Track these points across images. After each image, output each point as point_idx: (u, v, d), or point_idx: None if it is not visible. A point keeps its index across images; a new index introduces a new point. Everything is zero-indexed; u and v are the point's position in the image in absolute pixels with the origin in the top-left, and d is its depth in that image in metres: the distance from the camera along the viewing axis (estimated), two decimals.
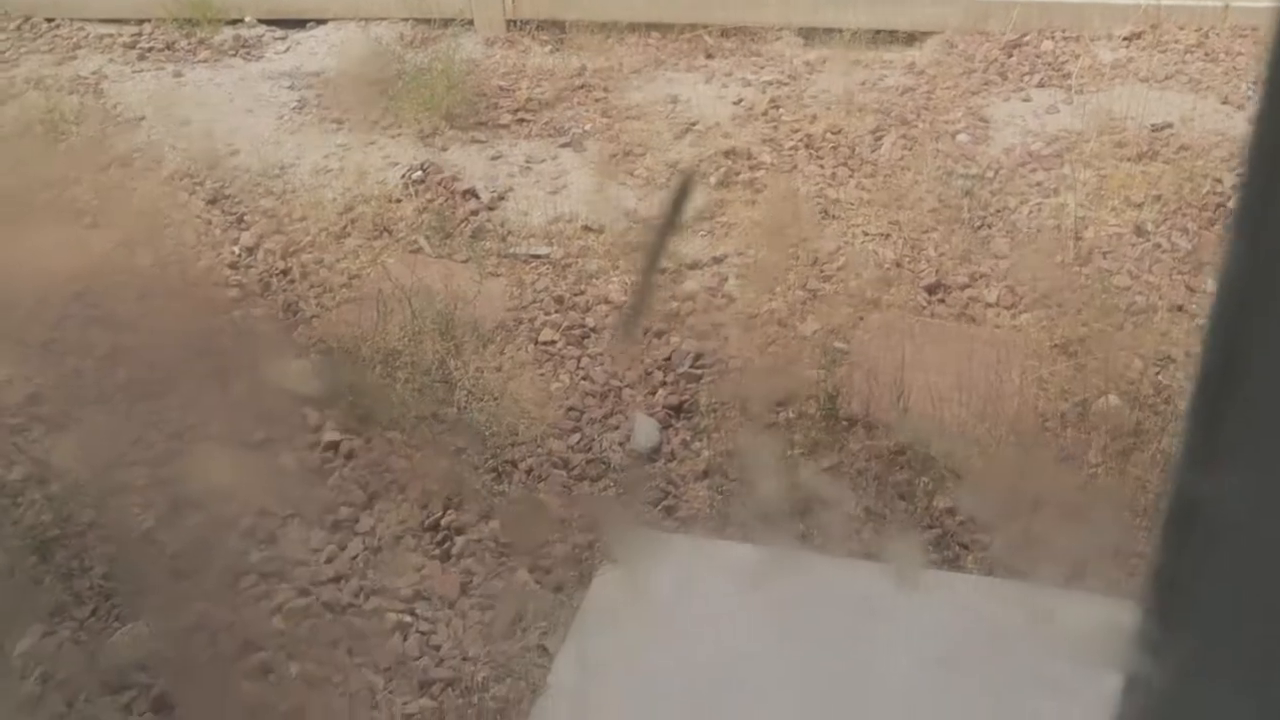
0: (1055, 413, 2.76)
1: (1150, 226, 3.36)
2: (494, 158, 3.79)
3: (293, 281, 3.23)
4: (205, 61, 4.42)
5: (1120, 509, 2.53)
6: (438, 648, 2.23)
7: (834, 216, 3.47)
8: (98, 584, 2.29)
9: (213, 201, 3.56)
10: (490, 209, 3.55)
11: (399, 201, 3.56)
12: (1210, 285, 3.17)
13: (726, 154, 3.73)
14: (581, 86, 4.16)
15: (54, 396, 2.82)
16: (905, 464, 2.64)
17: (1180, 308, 3.09)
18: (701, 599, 2.35)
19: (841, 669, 2.18)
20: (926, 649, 2.21)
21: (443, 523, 2.52)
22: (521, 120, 3.98)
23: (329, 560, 2.41)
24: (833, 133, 3.83)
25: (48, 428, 2.73)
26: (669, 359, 2.98)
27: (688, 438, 2.76)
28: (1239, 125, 3.75)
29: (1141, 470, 2.60)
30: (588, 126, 3.92)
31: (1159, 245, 3.30)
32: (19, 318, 3.08)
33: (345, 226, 3.45)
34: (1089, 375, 2.88)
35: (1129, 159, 3.63)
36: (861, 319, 3.09)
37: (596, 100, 4.07)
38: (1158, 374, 2.89)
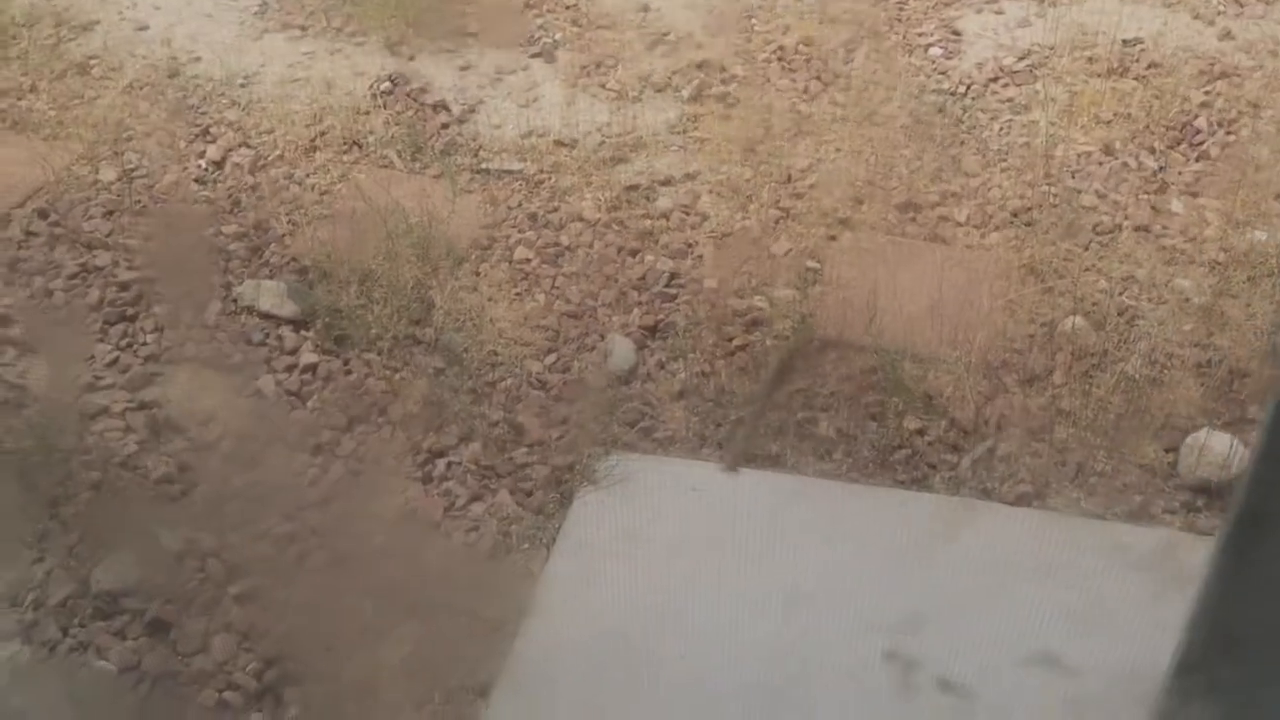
0: (1022, 335, 2.83)
1: (1118, 145, 3.39)
2: (463, 68, 3.73)
3: (262, 198, 3.19)
4: None
5: (1082, 430, 2.62)
6: (424, 570, 2.28)
7: (806, 132, 3.46)
8: (83, 510, 2.31)
9: (176, 113, 3.48)
10: (461, 122, 3.51)
11: (368, 114, 3.50)
12: (1176, 205, 3.23)
13: (699, 66, 3.70)
14: None
15: (24, 318, 2.80)
16: (876, 386, 2.70)
17: (1145, 228, 3.15)
18: (678, 520, 2.42)
19: (811, 581, 2.27)
20: (879, 562, 2.31)
21: (423, 445, 2.56)
22: (489, 29, 3.90)
23: (312, 484, 2.45)
24: (805, 45, 3.79)
25: (20, 350, 2.72)
26: (643, 279, 3.00)
27: (663, 359, 2.80)
28: (1209, 41, 3.76)
29: (1104, 392, 2.68)
30: (558, 36, 3.85)
31: (1126, 164, 3.34)
32: None
33: (314, 139, 3.39)
34: (1056, 296, 2.94)
35: (1099, 75, 3.64)
36: (834, 239, 3.11)
37: (566, 7, 3.99)
38: (1121, 294, 2.96)
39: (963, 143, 3.43)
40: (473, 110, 3.55)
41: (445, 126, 3.47)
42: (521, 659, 2.07)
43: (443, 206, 3.11)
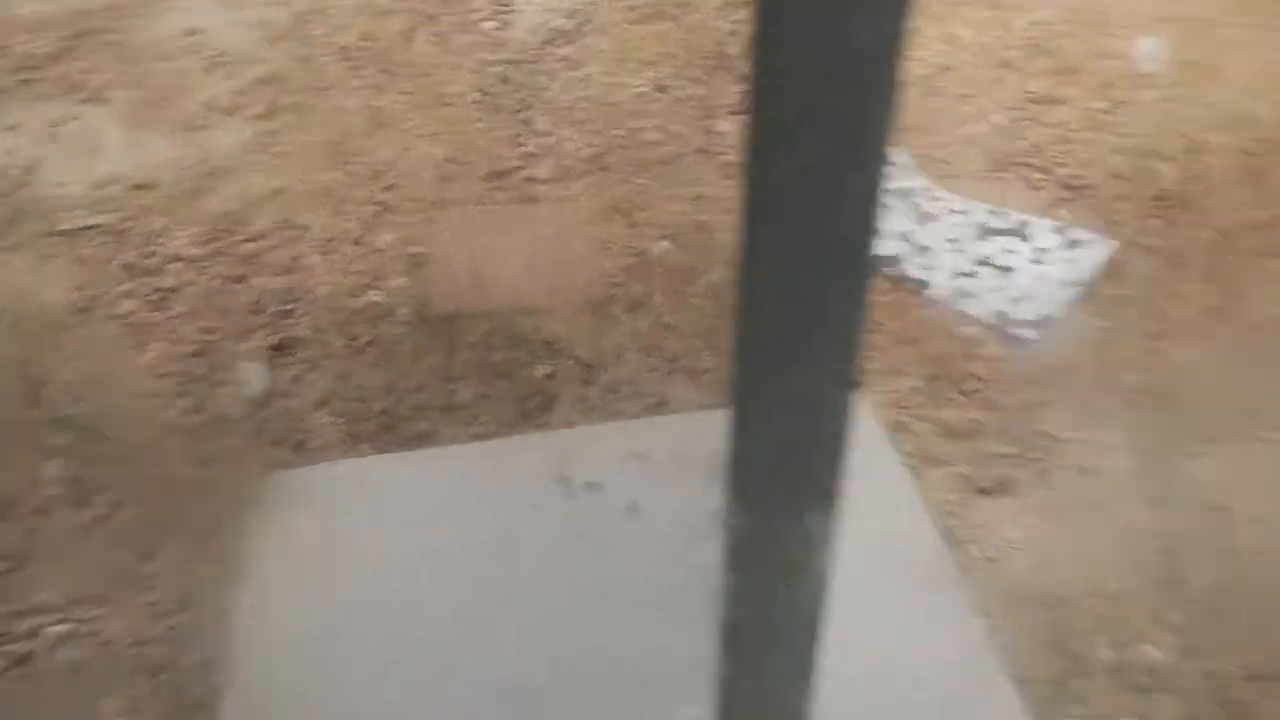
0: (619, 268, 3.13)
1: (668, 82, 3.76)
2: (9, 128, 3.53)
3: None
4: None
5: (687, 338, 2.95)
6: (107, 644, 2.26)
7: (384, 125, 3.58)
8: None
9: None
10: (23, 186, 3.34)
11: None
12: (724, 126, 3.64)
13: (264, 81, 3.71)
14: (88, 31, 3.91)
15: None
16: (499, 345, 2.90)
17: (704, 150, 3.53)
18: (353, 521, 2.53)
19: (499, 545, 2.46)
20: (542, 515, 2.52)
21: (74, 523, 2.49)
22: (27, 81, 3.71)
23: None
24: (366, 40, 3.89)
25: None
26: (257, 302, 3.03)
27: (298, 373, 2.86)
28: None
29: (699, 301, 3.03)
30: (108, 76, 3.72)
31: (678, 98, 3.71)
32: None
33: None
34: (642, 228, 3.26)
35: (639, 21, 4.00)
36: (432, 221, 3.27)
37: (109, 45, 3.85)
38: (695, 213, 3.32)
39: (531, 106, 3.67)
40: (32, 171, 3.39)
41: (5, 195, 3.30)
42: (232, 697, 2.12)
43: (28, 279, 2.98)
